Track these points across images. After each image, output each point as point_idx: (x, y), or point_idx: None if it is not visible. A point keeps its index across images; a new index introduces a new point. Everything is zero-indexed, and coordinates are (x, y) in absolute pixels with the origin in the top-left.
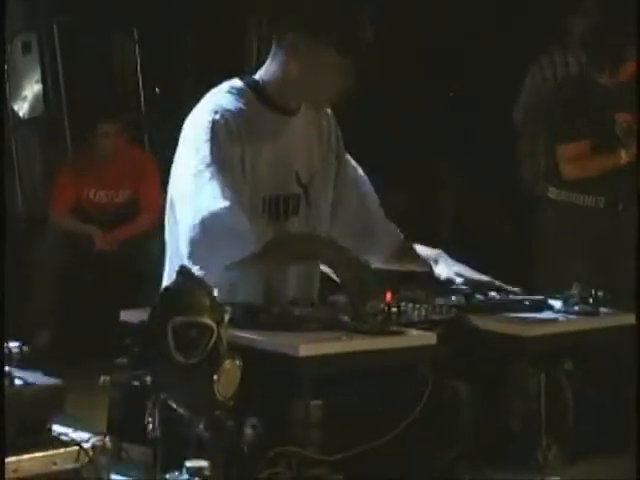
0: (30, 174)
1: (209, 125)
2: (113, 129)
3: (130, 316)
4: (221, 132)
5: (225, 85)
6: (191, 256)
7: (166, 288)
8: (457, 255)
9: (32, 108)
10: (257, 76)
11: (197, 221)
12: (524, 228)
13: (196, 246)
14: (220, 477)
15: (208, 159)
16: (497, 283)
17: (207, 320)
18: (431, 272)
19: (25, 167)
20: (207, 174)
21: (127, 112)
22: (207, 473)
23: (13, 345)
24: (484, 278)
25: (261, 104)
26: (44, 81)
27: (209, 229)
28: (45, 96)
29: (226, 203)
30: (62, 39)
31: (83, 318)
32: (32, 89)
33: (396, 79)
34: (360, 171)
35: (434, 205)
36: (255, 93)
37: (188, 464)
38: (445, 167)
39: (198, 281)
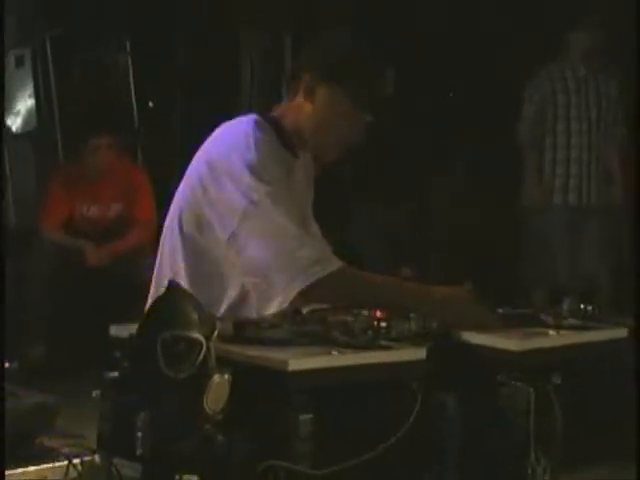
0: (23, 188)
1: (257, 154)
2: (106, 143)
3: (120, 330)
4: (270, 160)
5: (248, 119)
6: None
7: (155, 302)
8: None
9: (25, 122)
10: (275, 113)
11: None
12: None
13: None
14: None
15: (267, 186)
16: None
17: (196, 334)
18: None
19: (18, 181)
20: (269, 200)
21: (120, 126)
22: None
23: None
24: None
25: (279, 142)
26: (37, 95)
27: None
28: (38, 110)
29: (298, 230)
30: (55, 53)
31: (74, 332)
32: (25, 103)
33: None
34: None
35: (425, 221)
36: (275, 130)
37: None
38: (436, 182)
39: (187, 295)
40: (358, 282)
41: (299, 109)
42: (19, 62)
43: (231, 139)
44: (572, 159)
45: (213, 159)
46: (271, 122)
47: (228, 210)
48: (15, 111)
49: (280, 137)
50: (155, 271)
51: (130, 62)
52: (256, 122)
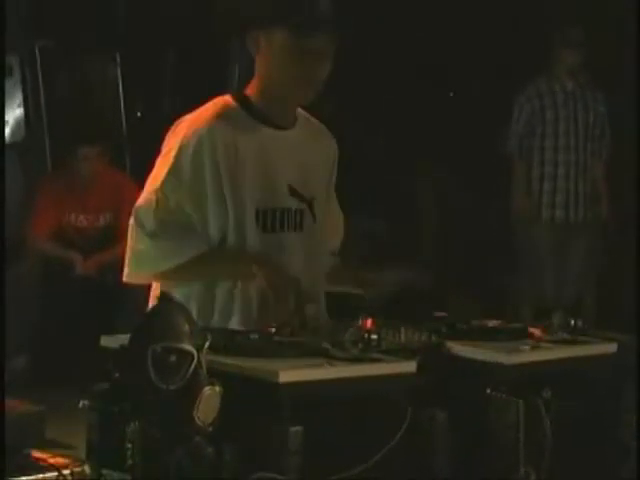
0: (11, 198)
1: (185, 142)
2: (94, 153)
3: (110, 341)
4: (194, 152)
5: (217, 100)
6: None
7: (146, 314)
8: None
9: (13, 132)
10: (246, 90)
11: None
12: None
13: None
14: None
15: (169, 177)
16: None
17: (187, 346)
18: (363, 295)
19: (6, 191)
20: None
21: (108, 136)
22: None
23: None
24: None
25: (251, 118)
26: (25, 105)
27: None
28: (27, 120)
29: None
30: (44, 63)
31: (63, 343)
32: (13, 113)
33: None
34: (337, 206)
35: (415, 235)
36: (244, 108)
37: None
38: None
39: (178, 307)
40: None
41: (259, 71)
42: (8, 72)
43: (185, 123)
44: (560, 175)
45: None
46: (241, 101)
47: None
48: None
49: (252, 112)
50: None
51: (119, 72)
52: (216, 106)
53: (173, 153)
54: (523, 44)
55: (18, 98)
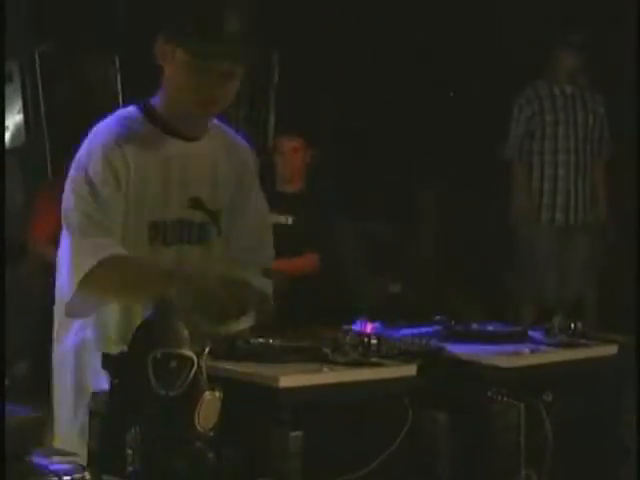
0: (11, 203)
1: (85, 157)
2: None
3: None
4: (97, 165)
5: (120, 112)
6: None
7: (146, 320)
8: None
9: (13, 138)
10: (152, 100)
11: None
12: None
13: None
14: None
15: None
16: None
17: (187, 352)
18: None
19: (6, 196)
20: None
21: None
22: None
23: None
24: None
25: (155, 127)
26: (25, 111)
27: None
28: (26, 126)
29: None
30: (44, 68)
31: None
32: (13, 119)
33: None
34: (262, 201)
35: (416, 238)
36: (149, 119)
37: None
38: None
39: (178, 312)
40: (126, 268)
41: (163, 82)
42: (8, 78)
43: (90, 137)
44: (560, 177)
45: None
46: (145, 110)
47: None
48: None
49: (157, 123)
50: None
51: (119, 77)
52: (120, 119)
53: (77, 164)
54: (523, 46)
55: (18, 104)
